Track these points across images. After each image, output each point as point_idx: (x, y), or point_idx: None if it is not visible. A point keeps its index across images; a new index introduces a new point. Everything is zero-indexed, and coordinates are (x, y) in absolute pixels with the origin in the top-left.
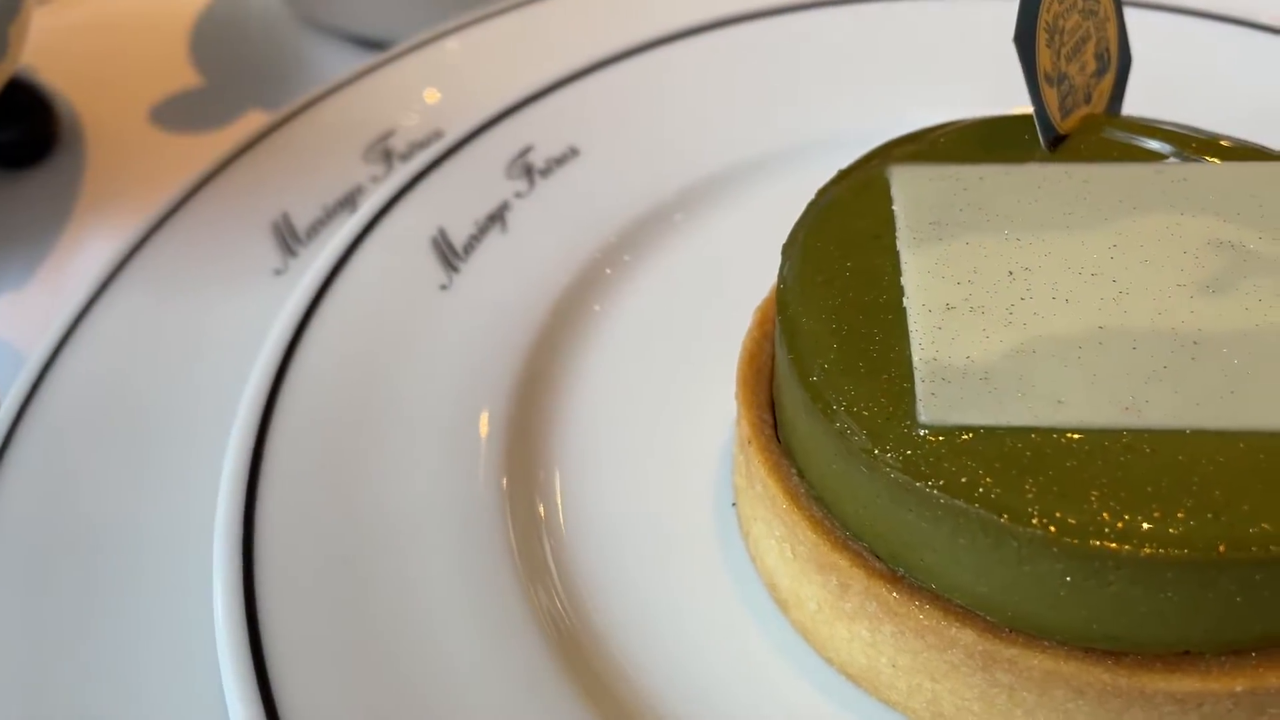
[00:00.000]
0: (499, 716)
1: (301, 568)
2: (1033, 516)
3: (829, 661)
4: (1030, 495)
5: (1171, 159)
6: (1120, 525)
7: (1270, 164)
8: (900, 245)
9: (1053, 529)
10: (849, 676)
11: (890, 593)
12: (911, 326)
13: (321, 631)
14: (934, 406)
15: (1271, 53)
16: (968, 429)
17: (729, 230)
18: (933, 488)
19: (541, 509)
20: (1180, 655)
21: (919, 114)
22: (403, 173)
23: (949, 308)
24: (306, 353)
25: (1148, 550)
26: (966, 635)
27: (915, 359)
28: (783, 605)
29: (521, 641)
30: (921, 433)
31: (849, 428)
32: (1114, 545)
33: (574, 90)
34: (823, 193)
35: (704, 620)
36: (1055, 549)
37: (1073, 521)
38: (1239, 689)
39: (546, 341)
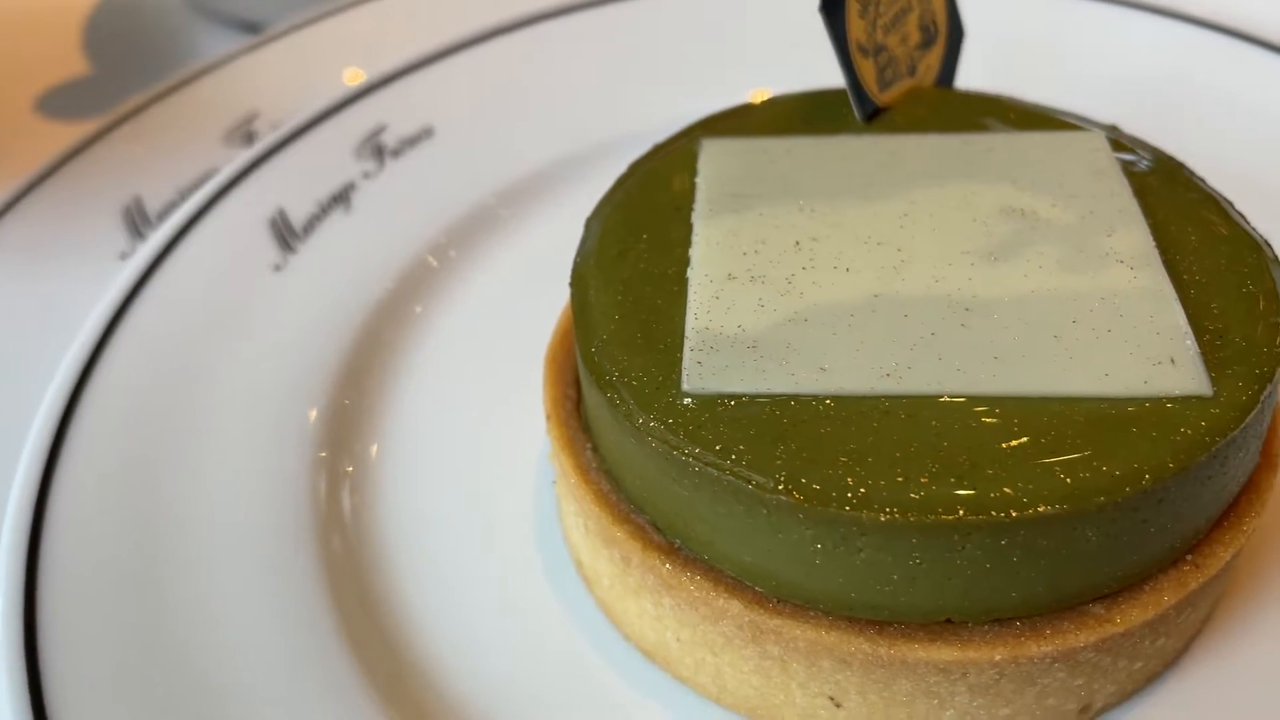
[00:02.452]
0: (282, 690)
1: (88, 556)
2: (779, 482)
3: (627, 638)
4: (779, 462)
5: (986, 130)
6: (863, 490)
7: (1078, 134)
8: (695, 217)
9: (796, 495)
10: (645, 653)
11: (664, 565)
12: (690, 296)
13: (101, 625)
14: (697, 375)
15: (1132, 28)
16: (729, 397)
17: (575, 213)
18: (688, 456)
19: (350, 468)
20: (943, 625)
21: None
22: (249, 153)
23: (730, 278)
24: (126, 333)
25: (886, 515)
26: (734, 606)
27: (688, 328)
28: (587, 582)
29: (313, 615)
30: (685, 401)
31: (618, 397)
32: (853, 510)
33: (431, 71)
34: (633, 168)
35: (507, 595)
36: (800, 515)
37: (816, 487)
38: (999, 658)
39: (378, 322)
